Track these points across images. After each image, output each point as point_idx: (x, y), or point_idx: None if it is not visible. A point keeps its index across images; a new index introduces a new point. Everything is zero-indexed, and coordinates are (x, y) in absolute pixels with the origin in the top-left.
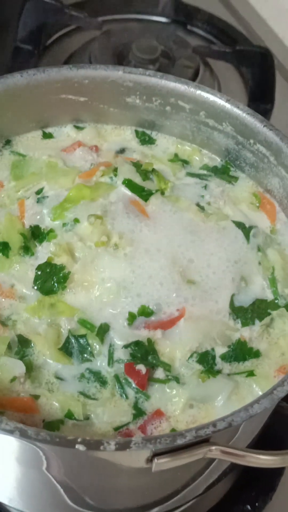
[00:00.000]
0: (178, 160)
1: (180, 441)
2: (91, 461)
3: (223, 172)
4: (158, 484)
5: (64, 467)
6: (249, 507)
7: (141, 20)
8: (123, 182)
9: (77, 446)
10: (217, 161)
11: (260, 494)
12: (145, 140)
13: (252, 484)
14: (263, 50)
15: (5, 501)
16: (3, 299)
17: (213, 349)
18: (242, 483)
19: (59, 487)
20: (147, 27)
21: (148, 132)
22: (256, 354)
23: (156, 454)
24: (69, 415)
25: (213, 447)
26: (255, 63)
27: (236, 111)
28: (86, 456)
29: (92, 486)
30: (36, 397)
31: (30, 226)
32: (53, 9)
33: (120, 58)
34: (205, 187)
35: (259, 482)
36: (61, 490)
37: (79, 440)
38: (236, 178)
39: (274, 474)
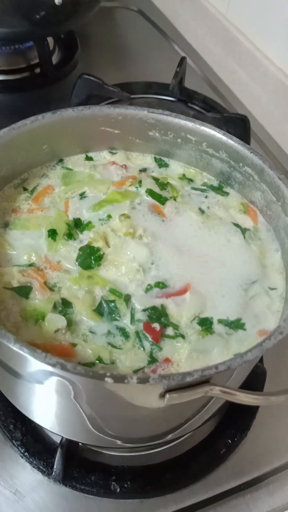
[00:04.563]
0: (185, 178)
1: (188, 379)
2: (114, 396)
3: (218, 189)
4: (165, 418)
5: (87, 397)
6: (229, 441)
7: (157, 99)
8: (146, 191)
9: (106, 379)
10: (214, 181)
11: (238, 431)
12: (161, 164)
13: (232, 424)
14: (243, 116)
15: (48, 427)
16: (52, 271)
17: (211, 317)
18: (225, 423)
19: (84, 416)
20: (161, 103)
21: (164, 158)
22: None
23: (168, 391)
24: (99, 359)
25: (214, 387)
26: (236, 125)
27: (231, 141)
28: (111, 391)
29: (113, 418)
30: (74, 345)
31: (73, 218)
32: (96, 85)
33: None
34: (206, 197)
35: (237, 423)
36: (86, 419)
37: (108, 374)
38: (227, 193)
39: (249, 417)
